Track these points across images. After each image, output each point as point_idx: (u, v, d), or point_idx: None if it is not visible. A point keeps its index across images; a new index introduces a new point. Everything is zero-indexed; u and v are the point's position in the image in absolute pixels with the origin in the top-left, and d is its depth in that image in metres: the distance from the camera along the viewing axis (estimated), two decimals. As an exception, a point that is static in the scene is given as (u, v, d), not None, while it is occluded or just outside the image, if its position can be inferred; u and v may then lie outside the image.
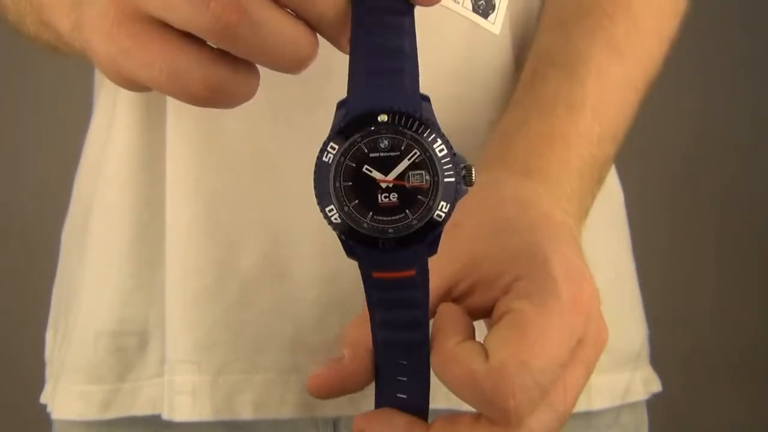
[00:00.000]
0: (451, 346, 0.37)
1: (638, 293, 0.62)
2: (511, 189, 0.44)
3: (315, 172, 0.34)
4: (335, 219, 0.34)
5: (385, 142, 0.33)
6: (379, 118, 0.33)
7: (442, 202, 0.33)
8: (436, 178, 0.33)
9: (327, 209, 0.34)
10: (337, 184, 0.33)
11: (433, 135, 0.33)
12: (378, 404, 0.39)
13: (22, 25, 0.53)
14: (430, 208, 0.33)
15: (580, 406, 0.54)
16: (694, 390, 1.48)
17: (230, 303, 0.53)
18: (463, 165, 0.33)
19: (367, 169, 0.33)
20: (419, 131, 0.33)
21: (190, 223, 0.53)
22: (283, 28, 0.32)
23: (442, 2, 0.35)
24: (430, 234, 0.34)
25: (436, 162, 0.33)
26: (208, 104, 0.34)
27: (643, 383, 0.60)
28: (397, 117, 0.33)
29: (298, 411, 0.53)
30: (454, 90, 0.53)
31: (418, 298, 0.36)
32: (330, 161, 0.33)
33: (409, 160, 0.33)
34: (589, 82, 0.49)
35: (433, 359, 0.37)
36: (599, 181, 0.50)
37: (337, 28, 0.33)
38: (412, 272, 0.35)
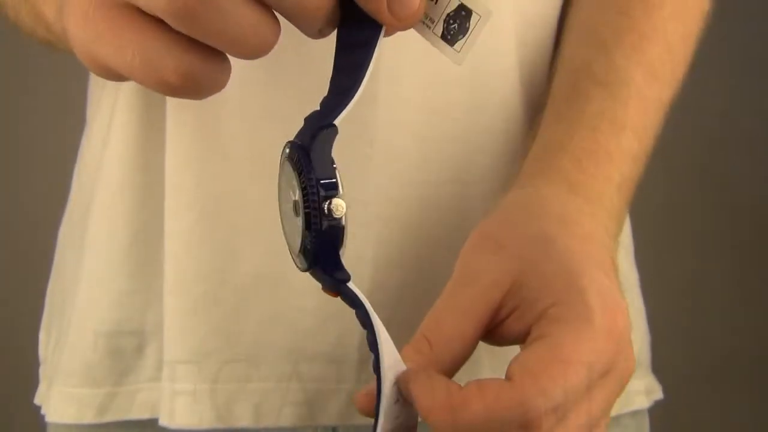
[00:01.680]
0: (455, 389, 0.35)
1: (641, 302, 0.62)
2: (555, 205, 0.44)
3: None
4: (282, 230, 0.36)
5: (295, 170, 0.34)
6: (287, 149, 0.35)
7: (306, 231, 0.34)
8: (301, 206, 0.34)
9: (281, 221, 0.36)
10: (287, 204, 0.35)
11: (300, 165, 0.34)
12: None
13: (19, 20, 0.53)
14: (303, 234, 0.34)
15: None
16: (695, 393, 1.47)
17: (228, 310, 0.52)
18: (325, 197, 0.33)
19: (292, 191, 0.35)
20: (295, 160, 0.34)
21: (188, 231, 0.52)
22: (246, 14, 0.32)
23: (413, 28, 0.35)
24: (308, 257, 0.34)
25: (301, 192, 0.34)
26: (180, 93, 0.33)
27: (646, 391, 0.60)
28: (288, 147, 0.35)
29: (297, 419, 0.52)
30: (460, 96, 0.53)
31: (362, 321, 0.36)
32: (279, 183, 0.36)
33: (300, 186, 0.34)
34: (630, 103, 0.50)
35: (431, 403, 0.35)
36: (632, 196, 0.50)
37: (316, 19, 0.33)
38: (336, 294, 0.36)
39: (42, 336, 0.62)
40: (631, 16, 0.53)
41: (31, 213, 1.37)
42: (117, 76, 0.35)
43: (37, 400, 0.60)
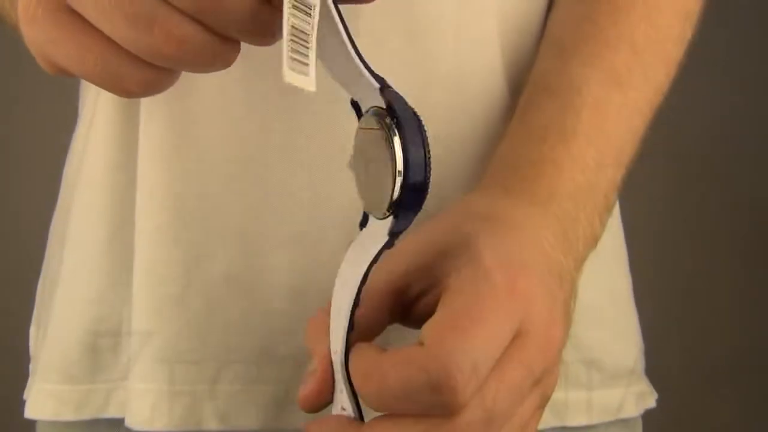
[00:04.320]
0: (375, 355, 0.36)
1: (633, 308, 0.60)
2: (481, 206, 0.44)
3: None
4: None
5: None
6: None
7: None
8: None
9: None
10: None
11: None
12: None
13: (5, 16, 0.53)
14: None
15: (580, 421, 0.54)
16: (693, 397, 1.47)
17: (196, 312, 0.51)
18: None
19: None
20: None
21: (157, 230, 0.52)
22: (216, 48, 0.33)
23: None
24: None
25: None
26: (135, 97, 0.35)
27: (637, 399, 0.58)
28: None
29: (264, 422, 0.51)
30: (442, 98, 0.52)
31: None
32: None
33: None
34: (584, 112, 0.48)
35: (360, 376, 0.36)
36: (606, 206, 0.49)
37: (251, 33, 0.33)
38: None
39: (32, 332, 0.62)
40: (595, 22, 0.51)
41: (32, 210, 1.38)
42: (69, 75, 0.35)
43: (25, 396, 0.60)
